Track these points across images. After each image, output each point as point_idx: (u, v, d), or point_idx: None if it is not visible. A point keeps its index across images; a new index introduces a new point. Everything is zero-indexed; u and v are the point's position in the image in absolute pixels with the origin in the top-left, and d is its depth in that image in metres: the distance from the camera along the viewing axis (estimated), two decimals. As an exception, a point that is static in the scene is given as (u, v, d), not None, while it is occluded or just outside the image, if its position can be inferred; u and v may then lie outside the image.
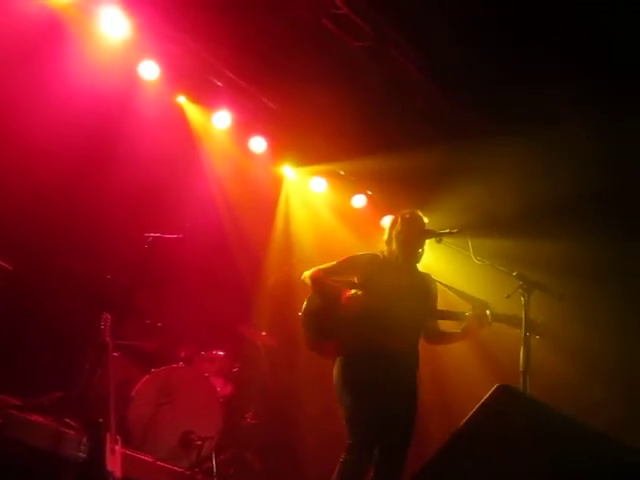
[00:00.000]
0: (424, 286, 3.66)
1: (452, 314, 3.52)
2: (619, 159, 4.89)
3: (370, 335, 3.42)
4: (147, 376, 4.65)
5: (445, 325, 3.64)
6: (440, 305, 3.73)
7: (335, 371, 3.47)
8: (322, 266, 3.64)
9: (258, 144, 5.98)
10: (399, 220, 3.67)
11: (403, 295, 3.49)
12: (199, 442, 4.48)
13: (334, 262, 3.66)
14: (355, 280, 3.63)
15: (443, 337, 3.61)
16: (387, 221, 3.84)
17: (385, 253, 3.68)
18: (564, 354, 4.98)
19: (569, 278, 4.63)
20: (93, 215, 5.29)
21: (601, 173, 4.94)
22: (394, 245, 3.63)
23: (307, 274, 3.64)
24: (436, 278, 3.75)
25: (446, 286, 3.67)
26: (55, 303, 5.04)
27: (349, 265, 3.64)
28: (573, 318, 4.78)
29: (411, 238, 3.60)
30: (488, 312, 3.34)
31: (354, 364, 3.42)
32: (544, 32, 4.46)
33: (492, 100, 4.91)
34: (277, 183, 6.46)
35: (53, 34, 4.75)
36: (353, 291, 3.50)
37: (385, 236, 3.72)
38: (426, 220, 3.66)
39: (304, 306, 3.64)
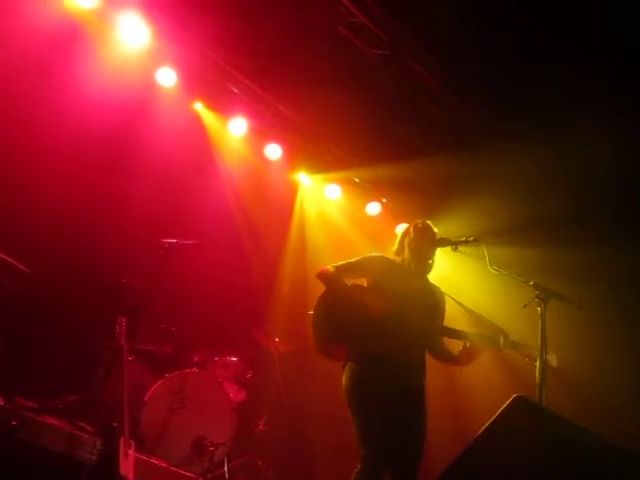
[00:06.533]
0: (433, 298, 3.64)
1: (459, 333, 3.46)
2: (635, 166, 4.84)
3: (380, 342, 3.40)
4: (161, 381, 4.66)
5: (451, 344, 3.58)
6: (455, 322, 3.69)
7: (345, 378, 3.43)
8: (337, 263, 3.62)
9: (274, 151, 6.00)
10: (411, 229, 3.68)
11: (414, 302, 3.48)
12: (212, 448, 4.48)
13: (349, 260, 3.64)
14: (365, 281, 3.61)
15: (449, 357, 3.54)
16: (399, 230, 3.82)
17: (397, 261, 3.67)
18: (580, 364, 4.92)
19: (585, 286, 4.59)
20: (110, 220, 5.33)
21: (617, 180, 4.90)
22: (407, 253, 3.63)
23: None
24: (454, 296, 3.72)
25: (463, 306, 3.64)
26: (71, 307, 5.08)
27: (363, 265, 3.62)
28: (589, 327, 4.74)
29: (424, 246, 3.60)
30: (502, 339, 3.30)
31: (364, 371, 3.39)
32: (561, 38, 4.44)
33: (509, 107, 4.89)
34: (292, 190, 6.48)
35: (72, 41, 4.80)
36: (371, 297, 3.46)
37: (395, 246, 3.71)
38: (436, 230, 3.66)
39: (314, 309, 3.60)
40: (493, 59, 4.69)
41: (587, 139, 4.74)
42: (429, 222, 3.69)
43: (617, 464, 2.16)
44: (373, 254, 3.69)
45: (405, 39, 4.99)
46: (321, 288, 3.65)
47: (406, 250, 3.64)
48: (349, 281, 3.60)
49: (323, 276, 3.58)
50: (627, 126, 4.58)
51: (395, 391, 3.33)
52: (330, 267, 3.60)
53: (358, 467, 3.27)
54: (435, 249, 3.60)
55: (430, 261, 3.61)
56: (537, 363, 2.99)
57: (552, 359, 3.05)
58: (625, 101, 4.52)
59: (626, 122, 4.57)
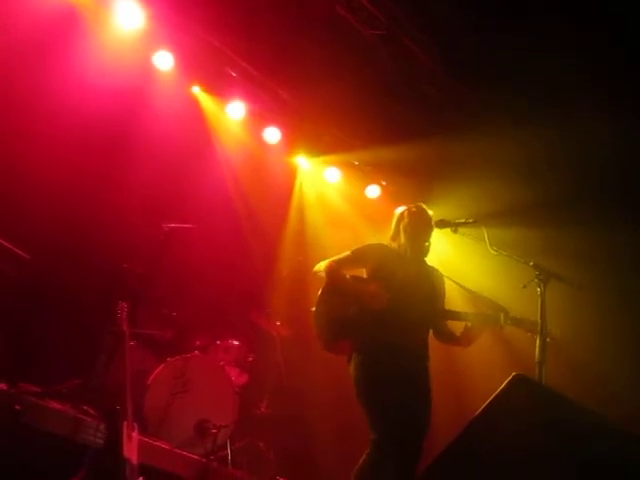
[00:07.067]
0: (432, 280, 3.64)
1: (459, 314, 3.48)
2: (635, 147, 4.82)
3: (382, 330, 3.40)
4: (163, 365, 4.69)
5: (454, 325, 3.60)
6: (455, 303, 3.70)
7: (353, 368, 3.43)
8: (334, 258, 3.60)
9: (272, 134, 5.97)
10: (406, 213, 3.66)
11: (413, 288, 3.48)
12: (214, 430, 4.52)
13: (346, 253, 3.62)
14: (364, 271, 3.60)
15: (451, 338, 3.58)
16: (396, 213, 3.78)
17: (394, 246, 3.67)
18: (581, 345, 4.94)
19: (587, 268, 4.58)
20: (109, 204, 5.32)
21: (619, 161, 4.87)
22: (403, 238, 3.62)
23: (321, 267, 3.60)
24: (453, 277, 3.73)
25: (462, 287, 3.65)
26: (72, 292, 5.09)
27: (361, 255, 3.61)
28: (591, 308, 4.74)
29: (419, 230, 3.59)
30: (502, 315, 3.31)
31: (369, 359, 3.39)
32: (561, 21, 4.40)
33: (508, 89, 4.86)
34: (291, 173, 6.45)
35: (68, 25, 4.76)
36: (374, 287, 3.44)
37: (391, 232, 3.70)
38: (431, 213, 3.65)
39: (316, 305, 3.60)
40: (491, 40, 4.66)
41: (588, 120, 4.72)
42: (423, 205, 3.68)
43: (618, 446, 2.16)
44: (369, 243, 3.69)
45: (403, 19, 4.95)
46: (321, 278, 3.62)
47: (402, 235, 3.63)
48: (349, 273, 3.59)
49: (323, 272, 3.56)
50: (628, 108, 4.55)
51: (400, 376, 3.35)
52: (328, 261, 3.58)
53: (368, 450, 3.30)
54: (431, 231, 3.60)
55: (426, 244, 3.61)
56: (537, 341, 3.00)
57: (555, 330, 3.07)
58: (626, 85, 4.50)
59: (627, 104, 4.55)
